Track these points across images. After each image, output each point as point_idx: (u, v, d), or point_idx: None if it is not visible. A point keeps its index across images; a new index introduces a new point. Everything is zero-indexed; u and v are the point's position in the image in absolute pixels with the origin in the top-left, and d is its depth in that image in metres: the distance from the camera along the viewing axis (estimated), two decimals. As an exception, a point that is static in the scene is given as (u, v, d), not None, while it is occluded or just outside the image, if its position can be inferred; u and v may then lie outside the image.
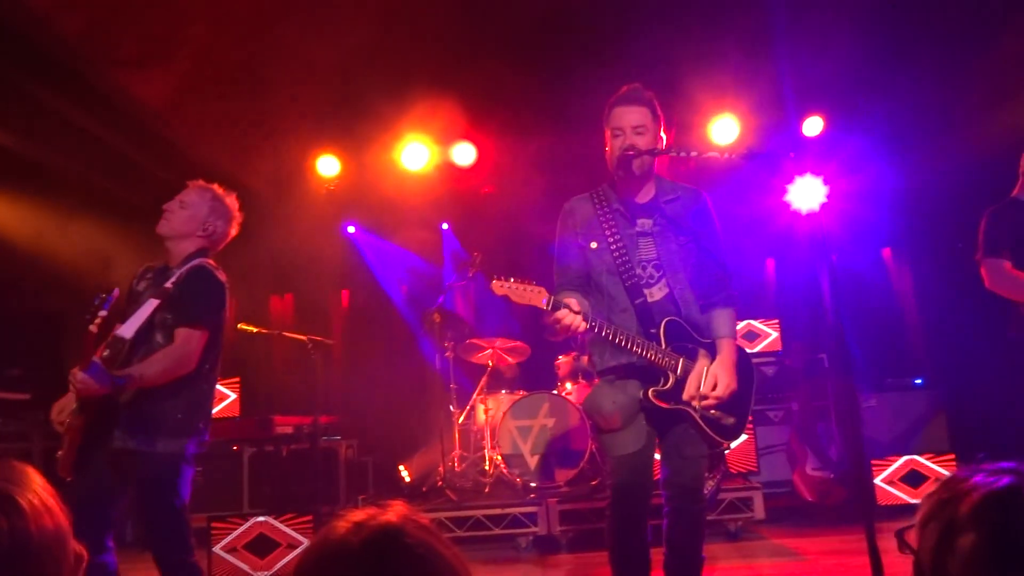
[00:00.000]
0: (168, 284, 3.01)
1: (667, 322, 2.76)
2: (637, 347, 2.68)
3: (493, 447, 5.92)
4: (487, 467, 6.01)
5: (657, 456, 2.93)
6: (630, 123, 2.79)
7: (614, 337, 2.66)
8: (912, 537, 1.10)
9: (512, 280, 2.60)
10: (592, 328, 2.64)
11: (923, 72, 6.34)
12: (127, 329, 2.95)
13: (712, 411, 2.76)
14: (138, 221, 6.98)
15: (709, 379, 2.76)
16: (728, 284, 2.95)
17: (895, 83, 6.42)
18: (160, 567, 2.90)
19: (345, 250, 8.03)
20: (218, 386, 6.83)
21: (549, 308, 2.58)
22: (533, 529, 5.29)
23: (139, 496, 2.94)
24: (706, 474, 2.99)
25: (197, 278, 3.06)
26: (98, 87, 5.30)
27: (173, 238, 3.15)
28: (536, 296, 2.59)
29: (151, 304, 2.97)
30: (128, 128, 5.94)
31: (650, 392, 2.71)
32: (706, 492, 4.92)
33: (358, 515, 0.99)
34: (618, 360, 2.80)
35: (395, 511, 1.00)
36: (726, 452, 5.58)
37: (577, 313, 2.60)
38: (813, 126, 6.81)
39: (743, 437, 5.80)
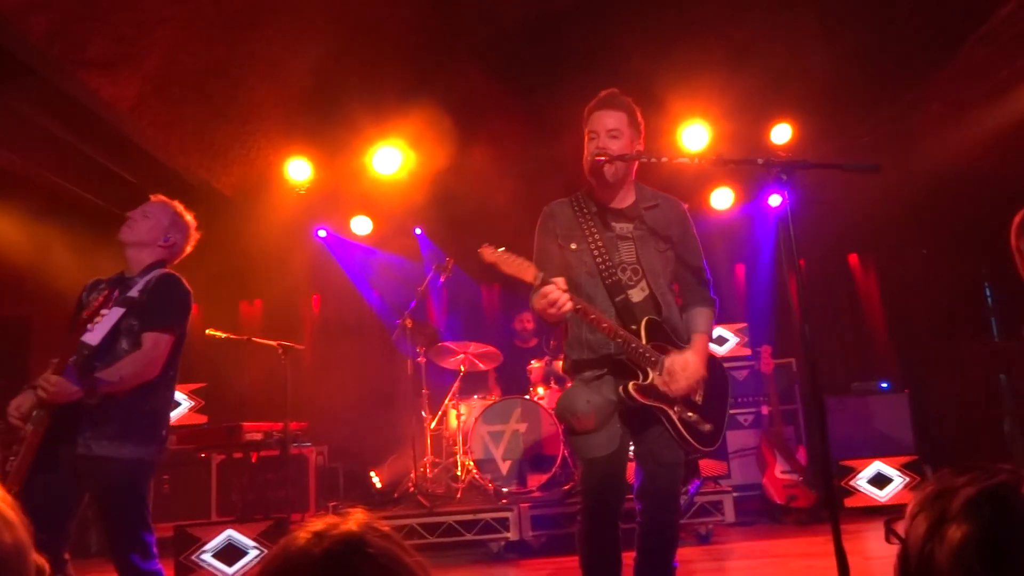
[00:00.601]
0: (134, 293, 3.05)
1: (647, 321, 2.74)
2: (619, 338, 2.65)
3: (465, 452, 5.91)
4: (459, 472, 6.00)
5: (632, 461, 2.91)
6: (605, 127, 2.79)
7: (598, 324, 2.62)
8: (900, 528, 1.12)
9: (502, 249, 2.53)
10: (577, 310, 2.57)
11: (887, 81, 6.47)
12: (93, 336, 2.95)
13: (689, 414, 2.75)
14: (106, 225, 6.90)
15: (680, 361, 2.73)
16: (707, 289, 2.97)
17: (862, 92, 6.54)
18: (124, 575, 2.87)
19: (316, 254, 7.97)
20: (186, 393, 6.78)
21: (537, 283, 2.52)
22: (505, 534, 5.29)
23: (104, 503, 2.90)
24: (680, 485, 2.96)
25: (166, 286, 3.13)
26: (65, 88, 5.21)
27: (135, 245, 3.21)
28: (526, 269, 2.53)
29: (117, 312, 3.00)
30: (96, 130, 5.84)
31: (630, 385, 2.67)
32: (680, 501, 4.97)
33: (318, 525, 0.98)
34: (597, 354, 2.77)
35: (355, 520, 1.00)
36: (698, 460, 5.63)
37: (565, 291, 2.53)
38: (782, 133, 6.92)
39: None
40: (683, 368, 2.72)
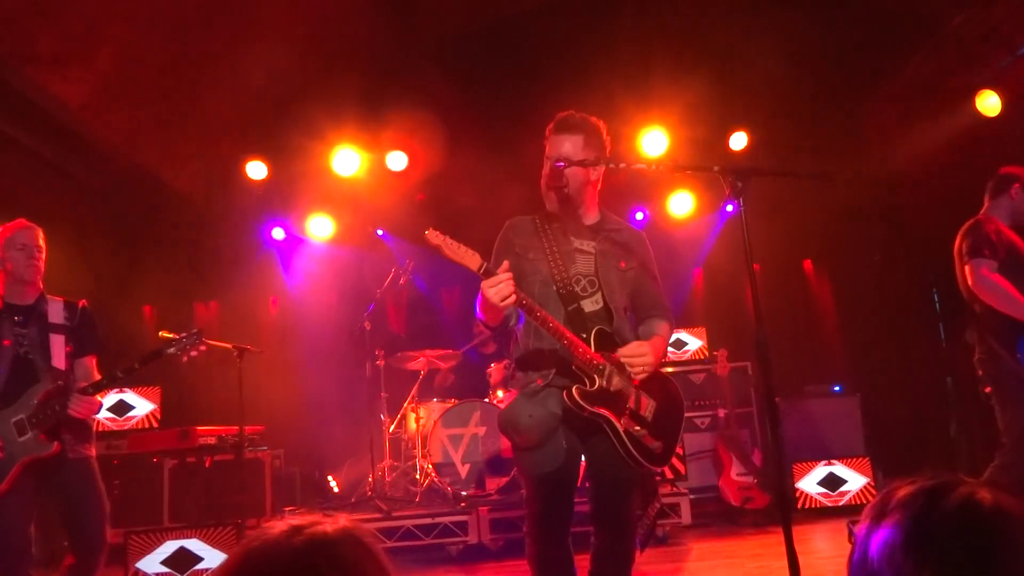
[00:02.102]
0: (62, 320, 3.53)
1: (597, 330, 2.67)
2: (566, 340, 2.55)
3: (424, 456, 5.89)
4: (418, 476, 5.97)
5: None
6: (560, 153, 2.74)
7: (543, 322, 2.53)
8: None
9: (449, 236, 2.45)
10: (522, 304, 2.49)
11: (841, 90, 6.62)
12: (57, 361, 3.45)
13: (636, 428, 2.65)
14: (59, 225, 6.72)
15: (634, 345, 2.68)
16: (667, 312, 2.94)
17: (815, 100, 6.68)
18: (97, 555, 3.42)
19: (274, 256, 7.87)
20: (138, 396, 6.63)
21: (480, 272, 2.44)
22: (464, 538, 5.28)
23: (80, 497, 3.41)
24: (638, 511, 2.86)
25: (90, 314, 3.65)
26: (13, 85, 5.07)
27: (37, 281, 3.55)
28: (470, 258, 2.44)
29: (60, 339, 3.50)
30: (47, 129, 5.70)
31: (575, 390, 2.56)
32: (639, 532, 4.91)
33: (296, 520, 1.00)
34: (543, 357, 2.69)
35: (337, 522, 1.01)
36: (658, 481, 5.58)
37: (512, 283, 2.44)
38: (738, 140, 7.03)
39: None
40: (633, 348, 2.65)
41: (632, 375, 2.66)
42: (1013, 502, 1.01)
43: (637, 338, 2.80)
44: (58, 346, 3.45)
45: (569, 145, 2.75)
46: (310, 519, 1.01)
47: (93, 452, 3.52)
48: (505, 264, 2.48)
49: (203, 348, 3.70)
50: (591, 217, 2.90)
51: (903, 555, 0.98)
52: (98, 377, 3.49)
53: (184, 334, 3.65)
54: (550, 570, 2.67)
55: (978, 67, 5.67)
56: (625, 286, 2.83)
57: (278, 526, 0.99)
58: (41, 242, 3.54)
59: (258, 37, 5.74)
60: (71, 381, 3.46)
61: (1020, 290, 3.63)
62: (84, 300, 3.65)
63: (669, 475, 6.03)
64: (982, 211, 3.96)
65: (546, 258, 2.77)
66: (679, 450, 6.17)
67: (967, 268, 3.74)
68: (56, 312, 3.52)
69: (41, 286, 3.56)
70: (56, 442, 3.30)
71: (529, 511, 2.70)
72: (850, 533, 1.16)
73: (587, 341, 2.64)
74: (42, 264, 3.51)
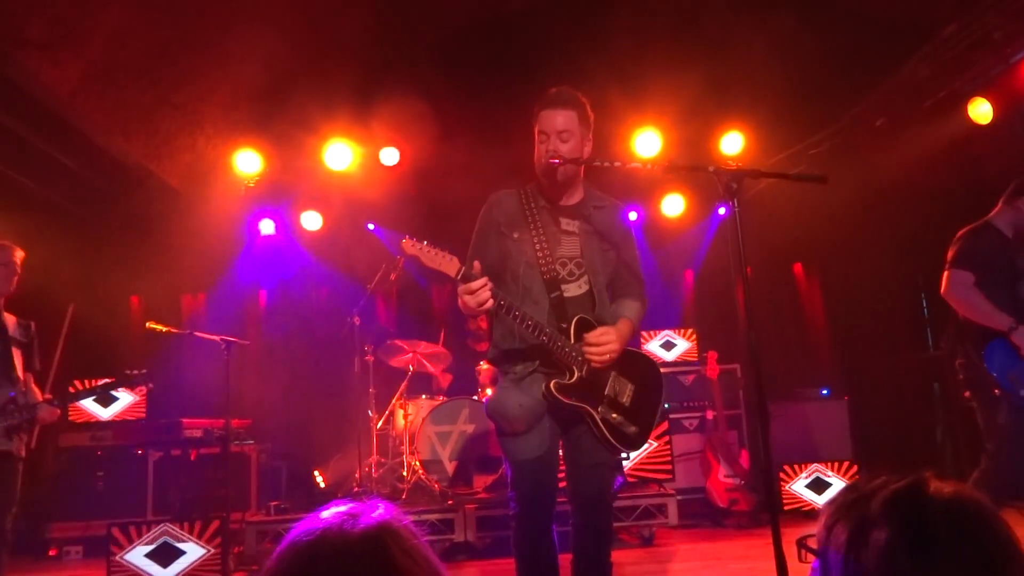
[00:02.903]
0: (17, 335, 3.95)
1: (578, 319, 2.72)
2: (544, 336, 2.63)
3: (412, 453, 5.86)
4: (405, 473, 5.95)
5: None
6: (555, 128, 2.75)
7: (521, 321, 2.59)
8: (813, 543, 1.14)
9: (425, 243, 2.48)
10: (500, 306, 2.55)
11: (834, 94, 6.63)
12: (19, 371, 3.91)
13: (613, 415, 2.73)
14: (47, 214, 6.65)
15: (600, 331, 2.71)
16: (641, 286, 2.99)
17: (809, 104, 6.69)
18: (9, 537, 3.77)
19: (263, 248, 7.82)
20: (124, 389, 6.58)
21: (459, 278, 2.49)
22: (450, 536, 5.26)
23: (10, 485, 3.78)
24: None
25: (35, 334, 4.08)
26: (2, 70, 5.01)
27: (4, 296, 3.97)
28: (448, 263, 2.49)
29: (19, 352, 3.95)
30: (35, 115, 5.62)
31: (552, 384, 2.65)
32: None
33: (343, 508, 1.02)
34: (527, 344, 2.74)
35: (381, 510, 1.04)
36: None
37: (488, 288, 2.51)
38: (732, 143, 7.04)
39: (651, 446, 5.93)
40: (597, 335, 2.69)
41: (592, 362, 2.70)
42: (964, 486, 1.05)
43: (612, 312, 2.87)
44: (17, 358, 3.95)
45: (562, 119, 2.76)
46: (349, 505, 1.04)
47: (22, 452, 3.87)
48: (477, 266, 2.53)
49: (150, 386, 4.37)
50: (577, 195, 2.93)
51: (908, 559, 0.98)
52: (36, 390, 4.03)
53: (136, 373, 4.19)
54: (534, 553, 2.73)
55: (970, 74, 5.69)
56: (607, 266, 2.90)
57: (326, 514, 1.02)
58: (17, 260, 3.96)
59: (252, 26, 5.70)
60: (29, 391, 3.98)
61: (1009, 301, 3.65)
62: (33, 321, 4.14)
63: (658, 476, 6.03)
64: (991, 213, 3.92)
65: (531, 239, 2.80)
66: (667, 453, 6.18)
67: (944, 275, 3.80)
68: (12, 327, 3.99)
69: (2, 302, 3.99)
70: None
71: (515, 495, 2.76)
72: (803, 549, 1.14)
73: (567, 331, 2.70)
74: (13, 284, 3.96)
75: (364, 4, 6.02)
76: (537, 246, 2.79)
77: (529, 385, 2.73)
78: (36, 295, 6.36)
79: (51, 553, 6.02)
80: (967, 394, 3.80)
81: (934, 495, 1.03)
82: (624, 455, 2.85)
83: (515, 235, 2.82)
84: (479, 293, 2.49)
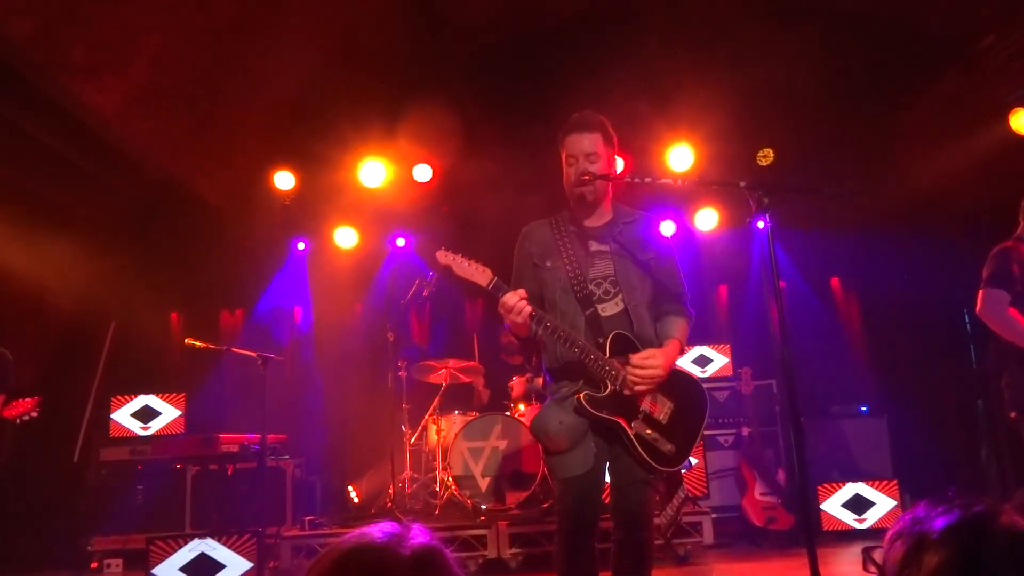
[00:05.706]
0: None
1: (615, 335, 2.73)
2: (577, 348, 2.65)
3: (444, 468, 5.87)
4: (438, 488, 5.95)
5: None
6: (583, 151, 2.81)
7: (553, 332, 2.63)
8: (878, 556, 1.12)
9: (459, 254, 2.58)
10: (532, 316, 2.60)
11: (868, 109, 6.55)
12: None
13: (648, 431, 2.71)
14: (91, 234, 6.83)
15: (646, 353, 2.72)
16: (683, 301, 2.97)
17: (844, 117, 6.62)
18: None
19: (299, 265, 7.93)
20: (163, 402, 6.70)
21: (490, 288, 2.57)
22: (483, 552, 5.25)
23: None
24: (656, 498, 2.94)
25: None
26: (49, 94, 5.17)
27: None
28: (480, 274, 2.58)
29: None
30: (80, 138, 5.79)
31: (583, 396, 2.66)
32: (663, 520, 4.94)
33: (386, 527, 1.05)
34: (567, 363, 2.77)
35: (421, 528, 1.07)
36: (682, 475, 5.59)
37: (524, 300, 2.58)
38: (764, 157, 6.98)
39: (692, 463, 5.86)
40: (643, 359, 2.70)
41: (634, 385, 2.70)
42: None
43: (659, 331, 2.87)
44: None
45: (588, 142, 2.83)
46: (392, 526, 1.07)
47: None
48: (523, 291, 2.62)
49: (35, 415, 4.64)
50: (606, 214, 2.96)
51: None
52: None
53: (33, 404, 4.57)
54: (573, 570, 2.73)
55: (1011, 85, 5.60)
56: (644, 281, 2.89)
57: (373, 532, 1.05)
58: None
59: (288, 48, 5.81)
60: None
61: None
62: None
63: (693, 493, 5.96)
64: (1016, 232, 3.87)
65: (563, 266, 2.84)
66: (702, 470, 6.11)
67: (979, 294, 3.75)
68: None
69: None
70: None
71: (559, 510, 2.79)
72: (867, 560, 1.13)
73: (603, 346, 2.72)
74: None
75: (397, 24, 6.10)
76: (569, 270, 2.82)
77: (571, 404, 2.74)
78: (80, 313, 6.55)
79: (92, 566, 6.12)
80: (1013, 415, 3.72)
81: (1003, 528, 0.99)
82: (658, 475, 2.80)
83: (548, 264, 2.87)
84: (515, 305, 2.56)
